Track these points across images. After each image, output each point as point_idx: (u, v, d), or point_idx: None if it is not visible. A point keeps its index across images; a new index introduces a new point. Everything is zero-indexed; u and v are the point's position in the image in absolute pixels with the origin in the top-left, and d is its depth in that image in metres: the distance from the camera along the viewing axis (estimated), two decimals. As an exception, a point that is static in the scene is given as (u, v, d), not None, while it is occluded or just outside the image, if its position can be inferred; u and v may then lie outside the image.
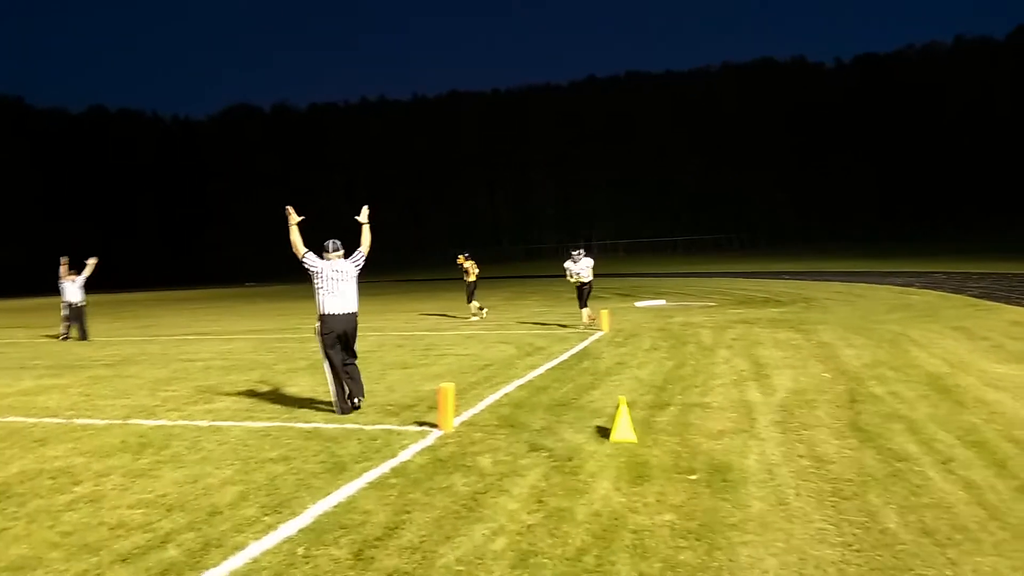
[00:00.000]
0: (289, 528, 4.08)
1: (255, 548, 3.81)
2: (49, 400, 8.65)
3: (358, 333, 7.62)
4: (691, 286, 28.75)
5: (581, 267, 14.35)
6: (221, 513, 4.36)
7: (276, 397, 8.24)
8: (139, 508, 4.52)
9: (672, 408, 6.81)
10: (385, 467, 5.21)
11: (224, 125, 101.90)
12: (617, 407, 5.81)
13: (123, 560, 3.71)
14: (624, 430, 5.67)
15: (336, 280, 7.15)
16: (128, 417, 7.38)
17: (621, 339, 12.31)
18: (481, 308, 18.08)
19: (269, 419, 7.03)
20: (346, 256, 7.37)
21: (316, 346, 13.02)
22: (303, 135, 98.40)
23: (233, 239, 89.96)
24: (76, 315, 16.28)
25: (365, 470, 5.15)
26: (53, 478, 5.27)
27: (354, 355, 7.45)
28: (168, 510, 4.46)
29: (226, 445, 6.04)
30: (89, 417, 7.49)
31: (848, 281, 26.40)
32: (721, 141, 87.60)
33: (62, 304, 16.47)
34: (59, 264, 16.61)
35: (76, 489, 4.98)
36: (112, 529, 4.17)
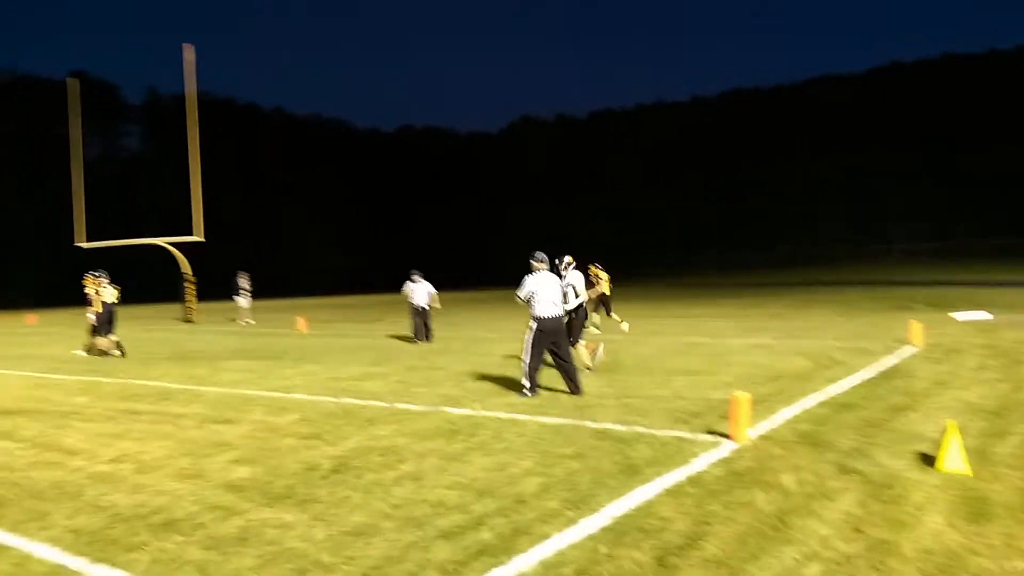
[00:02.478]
0: (589, 525, 4.17)
1: (559, 540, 3.95)
2: (374, 385, 9.85)
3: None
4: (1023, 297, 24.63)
5: (569, 284, 10.24)
6: (526, 503, 4.60)
7: (565, 395, 8.52)
8: (455, 489, 4.93)
9: (1014, 438, 5.85)
10: (679, 474, 5.13)
11: (512, 136, 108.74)
12: (944, 432, 5.13)
13: (444, 536, 4.06)
14: (955, 459, 4.97)
15: (546, 290, 8.46)
16: (439, 405, 8.13)
17: (939, 355, 10.90)
18: (618, 319, 17.45)
19: (561, 416, 7.29)
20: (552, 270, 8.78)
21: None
22: (583, 142, 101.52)
23: (519, 244, 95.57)
24: (422, 317, 16.70)
25: (658, 475, 5.12)
26: (382, 455, 5.96)
27: (568, 354, 8.61)
28: (479, 494, 4.81)
29: (524, 438, 6.38)
30: (407, 402, 8.38)
31: None
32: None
33: (412, 308, 16.84)
34: (411, 273, 17.19)
35: (402, 467, 5.58)
36: (433, 507, 4.59)
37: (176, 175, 48.47)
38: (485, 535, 4.06)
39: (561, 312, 8.60)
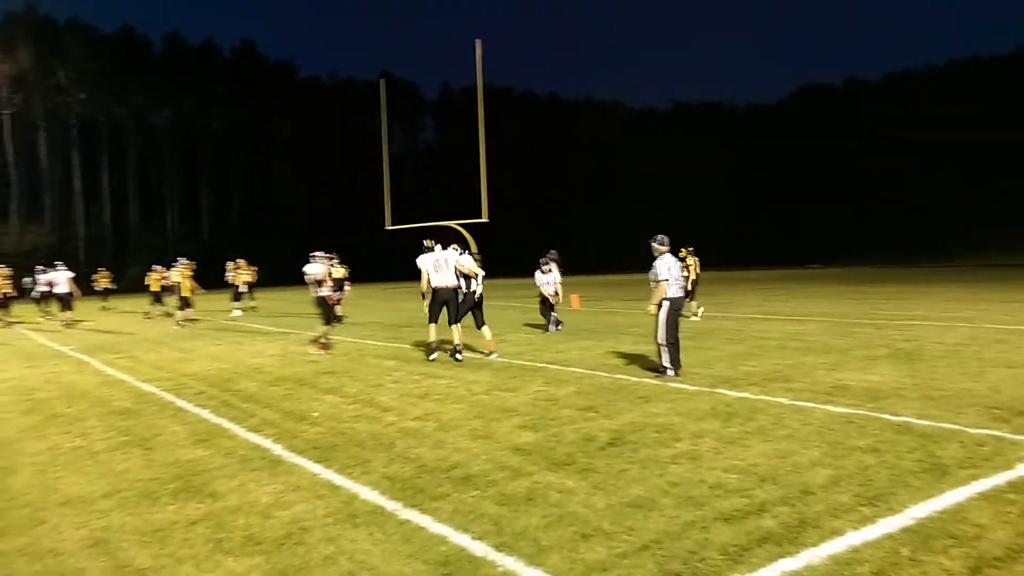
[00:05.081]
0: (888, 524, 3.84)
1: (853, 537, 3.69)
2: (646, 363, 9.90)
3: None
4: None
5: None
6: (813, 494, 4.35)
7: (855, 383, 7.87)
8: (733, 473, 4.82)
9: None
10: (999, 479, 4.51)
11: (795, 106, 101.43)
12: None
13: (725, 519, 3.99)
14: None
15: (674, 272, 8.80)
16: (714, 386, 7.96)
17: None
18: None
19: (851, 406, 6.75)
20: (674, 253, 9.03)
21: (896, 333, 12.10)
22: (878, 106, 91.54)
23: (800, 221, 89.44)
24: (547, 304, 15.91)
25: (973, 478, 4.54)
26: (657, 432, 6.00)
27: None
28: (761, 480, 4.64)
29: (810, 426, 6.02)
30: (680, 382, 8.32)
31: None
32: None
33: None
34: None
35: (677, 445, 5.57)
36: (711, 488, 4.53)
37: (465, 162, 52.62)
38: (768, 522, 3.92)
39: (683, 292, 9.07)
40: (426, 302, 11.15)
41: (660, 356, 8.84)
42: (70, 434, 6.75)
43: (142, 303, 27.12)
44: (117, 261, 53.83)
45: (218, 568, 3.63)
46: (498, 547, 3.75)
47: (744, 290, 30.05)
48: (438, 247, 11.13)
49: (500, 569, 3.50)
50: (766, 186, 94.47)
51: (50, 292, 21.76)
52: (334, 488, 4.87)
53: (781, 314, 17.39)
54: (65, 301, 20.74)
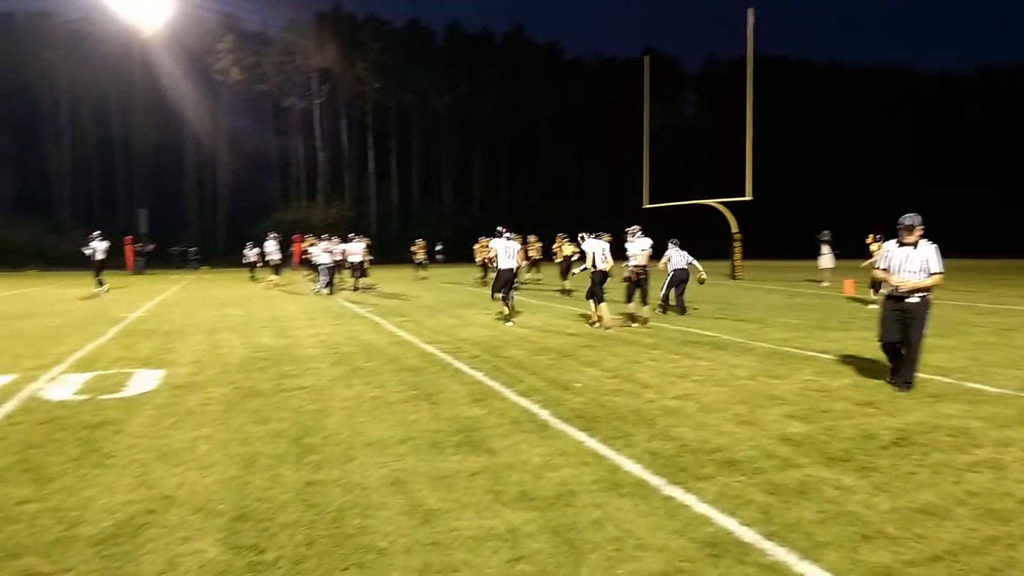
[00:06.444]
0: None
1: None
2: (938, 359, 8.88)
3: None
4: None
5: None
6: None
7: None
8: (1051, 490, 4.21)
9: None
10: None
11: None
12: None
13: (1039, 540, 3.52)
14: None
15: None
16: (1022, 389, 6.96)
17: None
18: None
19: None
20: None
21: None
22: None
23: None
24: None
25: None
26: (951, 436, 5.41)
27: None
28: (1087, 503, 4.01)
29: None
30: (979, 382, 7.39)
31: None
32: None
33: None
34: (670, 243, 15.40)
35: (976, 452, 4.98)
36: (1020, 503, 4.01)
37: (726, 137, 50.65)
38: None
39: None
40: (490, 274, 13.18)
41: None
42: (370, 385, 7.71)
43: (440, 273, 29.90)
44: (402, 234, 59.60)
45: (497, 517, 3.96)
46: (768, 536, 3.66)
47: (1063, 282, 25.60)
48: (506, 234, 12.99)
49: (771, 558, 3.42)
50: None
51: (345, 260, 24.82)
52: (598, 457, 5.05)
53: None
54: (359, 268, 23.53)
